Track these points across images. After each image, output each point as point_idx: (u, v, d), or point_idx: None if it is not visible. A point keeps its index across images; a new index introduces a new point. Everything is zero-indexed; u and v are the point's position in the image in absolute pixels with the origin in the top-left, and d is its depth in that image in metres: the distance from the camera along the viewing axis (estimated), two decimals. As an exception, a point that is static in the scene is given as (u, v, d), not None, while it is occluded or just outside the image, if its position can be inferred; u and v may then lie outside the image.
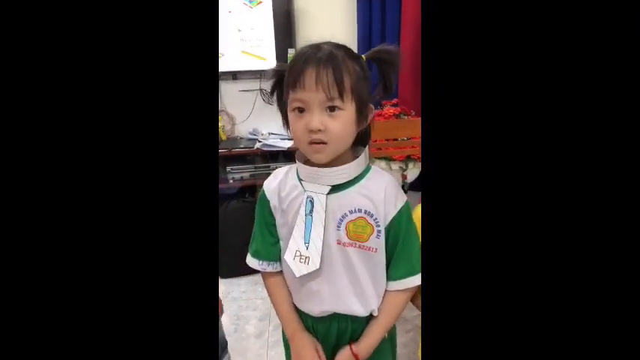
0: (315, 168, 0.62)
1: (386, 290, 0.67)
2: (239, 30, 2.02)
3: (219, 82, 2.13)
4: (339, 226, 0.63)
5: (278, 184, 0.68)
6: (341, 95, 0.57)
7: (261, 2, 1.99)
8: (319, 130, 0.57)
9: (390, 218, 0.63)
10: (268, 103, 1.97)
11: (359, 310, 0.66)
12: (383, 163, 1.70)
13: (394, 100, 1.93)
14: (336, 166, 0.62)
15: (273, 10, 1.99)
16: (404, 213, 0.65)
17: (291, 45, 2.02)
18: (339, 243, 0.63)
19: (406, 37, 1.97)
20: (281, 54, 1.97)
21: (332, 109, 0.57)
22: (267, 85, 0.66)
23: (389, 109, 1.82)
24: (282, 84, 0.63)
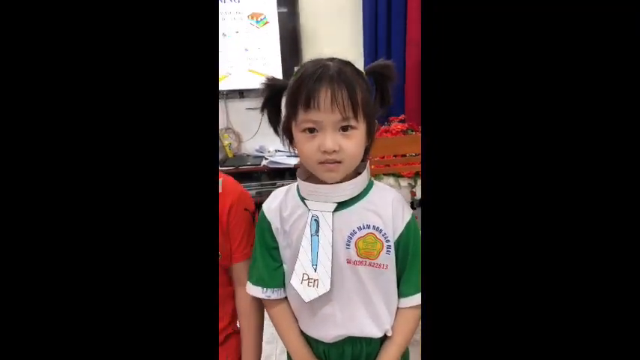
0: (320, 185, 0.60)
1: (398, 308, 0.65)
2: (246, 49, 2.06)
3: (227, 100, 2.16)
4: (348, 245, 0.60)
5: (279, 204, 0.65)
6: (355, 115, 0.56)
7: (268, 22, 2.03)
8: (334, 151, 0.56)
9: (398, 232, 0.62)
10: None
11: (374, 332, 0.63)
12: (391, 180, 1.68)
13: (401, 116, 1.92)
14: (341, 182, 0.60)
15: (280, 30, 2.03)
16: (411, 226, 0.63)
17: (298, 63, 2.04)
18: (349, 262, 0.61)
19: (411, 55, 1.98)
20: (287, 72, 1.99)
21: (345, 128, 0.56)
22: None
23: (396, 125, 1.81)
24: (276, 100, 0.61)
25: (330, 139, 0.55)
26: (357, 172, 0.62)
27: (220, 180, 0.71)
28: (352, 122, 0.56)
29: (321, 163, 0.57)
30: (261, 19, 2.03)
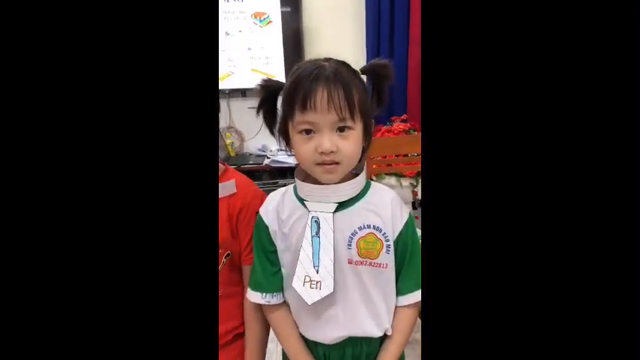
0: (321, 186, 0.60)
1: (396, 306, 0.65)
2: (249, 48, 2.06)
3: (229, 99, 2.16)
4: (349, 245, 0.60)
5: (276, 206, 0.65)
6: (352, 115, 0.56)
7: (271, 22, 2.03)
8: (331, 152, 0.56)
9: (397, 232, 0.62)
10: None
11: (374, 332, 0.63)
12: (393, 180, 1.68)
13: (404, 116, 1.92)
14: (340, 182, 0.60)
15: (283, 29, 2.03)
16: (410, 225, 0.64)
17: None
18: (350, 262, 0.60)
19: (414, 55, 1.98)
20: (290, 71, 1.99)
21: (342, 129, 0.56)
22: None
23: (398, 125, 1.81)
24: (271, 100, 0.62)
25: (327, 140, 0.55)
26: (353, 173, 0.62)
27: (233, 180, 0.71)
28: (349, 123, 0.56)
29: (319, 164, 0.57)
30: (264, 19, 2.03)
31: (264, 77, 0.63)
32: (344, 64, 0.59)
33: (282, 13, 2.02)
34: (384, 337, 0.65)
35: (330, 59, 0.59)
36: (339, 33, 2.12)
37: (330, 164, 0.57)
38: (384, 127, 1.88)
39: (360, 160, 0.63)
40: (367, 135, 0.61)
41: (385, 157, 1.56)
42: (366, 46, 2.06)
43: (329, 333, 0.63)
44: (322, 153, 0.56)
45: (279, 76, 1.99)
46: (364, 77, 0.61)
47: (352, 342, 0.64)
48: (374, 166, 1.59)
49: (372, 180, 1.76)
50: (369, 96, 0.61)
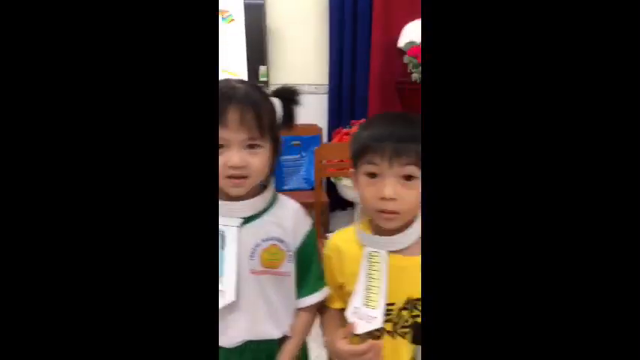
0: (227, 202, 0.64)
1: (295, 309, 0.71)
2: (211, 45, 2.02)
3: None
4: (252, 256, 0.65)
5: None
6: (261, 135, 0.61)
7: (234, 20, 2.01)
8: (240, 167, 0.60)
9: (299, 242, 0.69)
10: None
11: (274, 334, 0.68)
12: (350, 182, 1.72)
13: (362, 120, 1.96)
14: (247, 198, 0.64)
15: (246, 28, 2.01)
16: (310, 235, 0.70)
17: (263, 62, 2.03)
18: (253, 272, 0.65)
19: (376, 57, 2.02)
20: (252, 70, 1.99)
21: (252, 146, 0.62)
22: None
23: (357, 129, 1.84)
24: None
25: (237, 156, 0.60)
26: (261, 186, 0.67)
27: None
28: (258, 141, 0.62)
29: (228, 177, 0.61)
30: (226, 17, 2.00)
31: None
32: (256, 87, 0.65)
33: (246, 9, 2.00)
34: (284, 338, 0.70)
35: (243, 81, 0.65)
36: (302, 33, 2.12)
37: (239, 178, 0.62)
38: (344, 130, 1.91)
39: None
40: (275, 153, 0.67)
41: (342, 160, 1.59)
42: (330, 49, 2.07)
43: (230, 338, 0.67)
44: (231, 167, 0.60)
45: (242, 73, 1.98)
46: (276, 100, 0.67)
47: (252, 345, 0.68)
48: (331, 170, 1.63)
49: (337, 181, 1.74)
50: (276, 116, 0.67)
